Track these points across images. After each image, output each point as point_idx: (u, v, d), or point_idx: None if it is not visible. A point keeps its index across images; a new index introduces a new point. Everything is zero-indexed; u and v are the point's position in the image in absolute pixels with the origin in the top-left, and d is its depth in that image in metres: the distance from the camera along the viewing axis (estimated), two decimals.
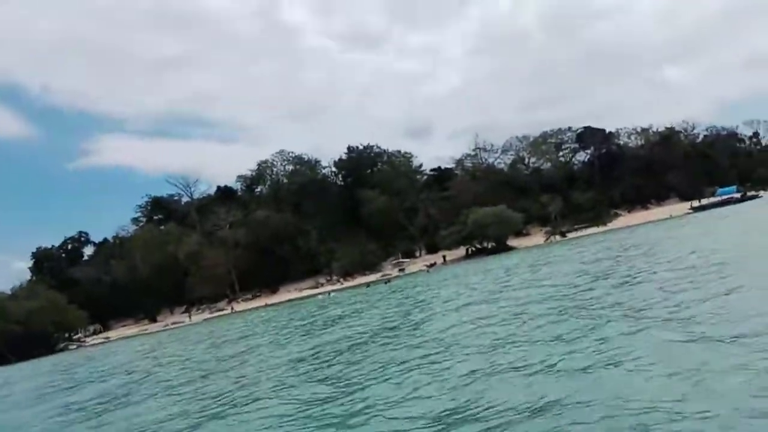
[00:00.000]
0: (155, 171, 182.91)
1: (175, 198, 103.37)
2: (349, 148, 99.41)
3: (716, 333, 7.81)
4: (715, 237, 25.50)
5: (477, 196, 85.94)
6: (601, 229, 76.98)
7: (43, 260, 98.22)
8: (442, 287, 29.54)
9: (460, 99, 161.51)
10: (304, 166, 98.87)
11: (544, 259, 35.56)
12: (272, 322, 32.10)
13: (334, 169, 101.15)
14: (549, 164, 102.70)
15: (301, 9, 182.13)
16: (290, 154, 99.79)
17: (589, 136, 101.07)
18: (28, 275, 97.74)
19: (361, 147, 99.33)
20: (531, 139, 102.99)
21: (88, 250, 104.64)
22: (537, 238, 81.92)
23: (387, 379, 9.14)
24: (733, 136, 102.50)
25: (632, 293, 12.87)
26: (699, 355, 6.98)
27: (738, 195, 73.28)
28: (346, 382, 9.64)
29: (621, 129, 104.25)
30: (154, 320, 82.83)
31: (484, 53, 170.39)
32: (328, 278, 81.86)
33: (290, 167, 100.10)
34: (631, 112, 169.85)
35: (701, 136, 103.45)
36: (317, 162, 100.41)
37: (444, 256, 78.62)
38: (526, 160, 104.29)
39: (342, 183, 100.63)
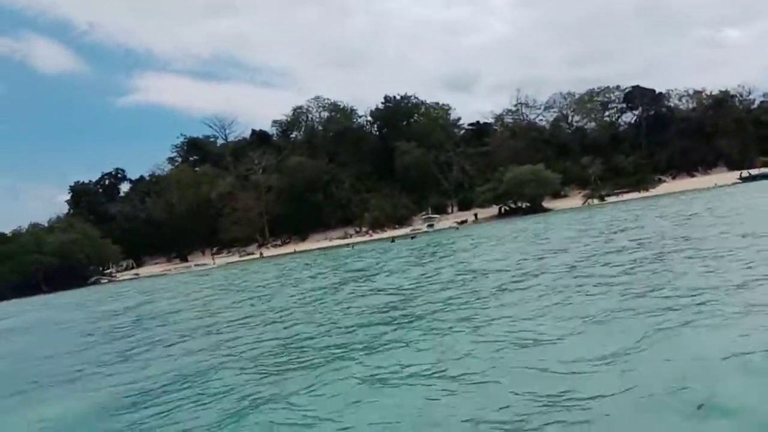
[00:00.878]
0: (197, 112, 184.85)
1: (211, 140, 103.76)
2: (385, 97, 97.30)
3: None
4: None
5: (515, 153, 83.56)
6: (643, 194, 74.27)
7: (81, 194, 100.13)
8: (464, 250, 28.36)
9: (504, 51, 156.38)
10: (340, 113, 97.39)
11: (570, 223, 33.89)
12: (288, 275, 31.27)
13: (370, 118, 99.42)
14: (593, 124, 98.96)
15: None
16: (326, 101, 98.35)
17: (637, 96, 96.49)
18: (67, 209, 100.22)
19: (398, 97, 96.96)
20: (576, 97, 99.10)
21: (125, 187, 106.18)
22: (575, 200, 79.56)
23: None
24: None
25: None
26: None
27: None
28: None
29: (672, 90, 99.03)
30: (185, 260, 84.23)
31: (532, 4, 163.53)
32: (358, 229, 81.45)
33: (326, 114, 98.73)
34: (683, 73, 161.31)
35: (757, 102, 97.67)
36: (353, 110, 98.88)
37: (476, 214, 77.26)
38: (570, 118, 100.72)
39: (378, 133, 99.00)
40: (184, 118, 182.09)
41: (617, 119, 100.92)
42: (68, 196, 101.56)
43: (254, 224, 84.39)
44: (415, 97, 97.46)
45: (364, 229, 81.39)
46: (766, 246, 12.90)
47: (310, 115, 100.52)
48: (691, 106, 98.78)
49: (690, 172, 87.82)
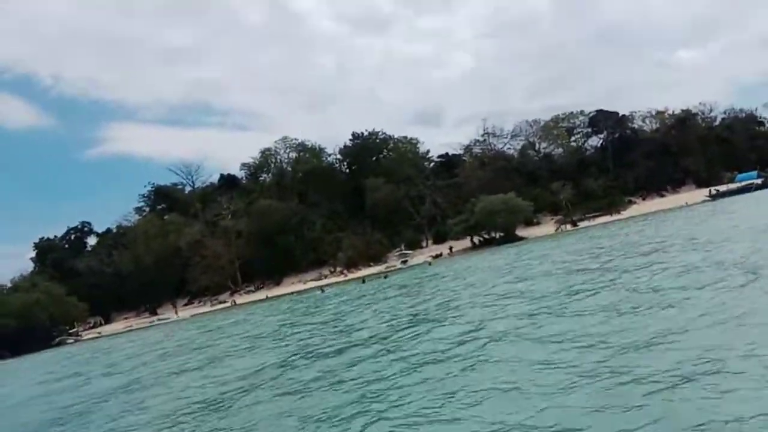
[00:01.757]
0: (168, 159, 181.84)
1: (179, 187, 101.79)
2: (353, 134, 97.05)
3: None
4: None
5: (485, 183, 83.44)
6: (615, 217, 74.28)
7: (46, 251, 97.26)
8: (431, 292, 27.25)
9: (470, 83, 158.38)
10: (308, 153, 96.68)
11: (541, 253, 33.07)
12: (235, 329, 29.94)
13: (339, 156, 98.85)
14: (560, 149, 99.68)
15: None
16: (293, 141, 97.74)
17: (601, 119, 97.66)
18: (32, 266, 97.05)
19: (366, 133, 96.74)
20: (541, 124, 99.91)
21: (92, 241, 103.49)
22: (548, 227, 79.26)
23: None
24: (752, 118, 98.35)
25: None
26: None
27: (759, 181, 69.89)
28: None
29: (635, 112, 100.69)
30: (154, 313, 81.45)
31: (495, 36, 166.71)
32: (332, 270, 79.89)
33: (294, 155, 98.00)
34: (645, 95, 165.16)
35: (719, 119, 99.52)
36: (322, 149, 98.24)
37: (450, 247, 76.26)
38: (537, 145, 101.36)
39: (347, 171, 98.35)
40: (154, 166, 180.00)
41: (583, 144, 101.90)
42: (33, 254, 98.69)
43: (225, 271, 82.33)
44: (383, 133, 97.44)
45: (338, 269, 79.82)
46: None
47: (278, 157, 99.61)
48: (654, 126, 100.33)
49: (659, 191, 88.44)
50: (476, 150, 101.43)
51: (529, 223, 79.81)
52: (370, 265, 77.11)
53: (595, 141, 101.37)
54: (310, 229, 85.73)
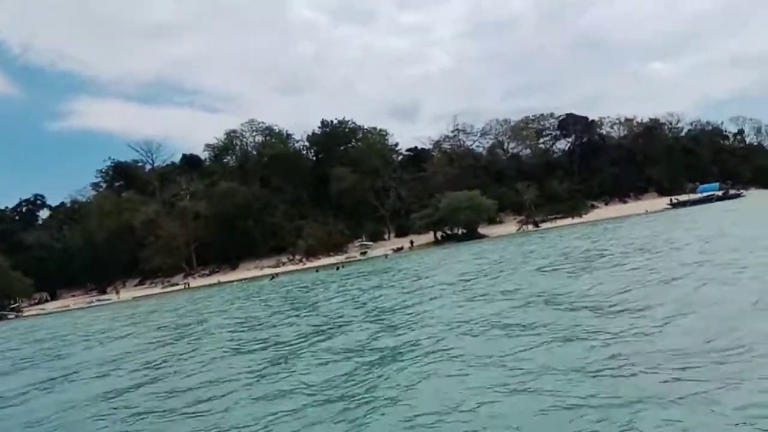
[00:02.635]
0: (133, 137, 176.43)
1: (139, 164, 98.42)
2: (322, 122, 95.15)
3: None
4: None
5: (452, 179, 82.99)
6: (576, 220, 74.45)
7: None
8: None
9: (448, 81, 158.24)
10: (275, 137, 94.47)
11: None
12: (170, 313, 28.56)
13: (306, 143, 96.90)
14: (528, 151, 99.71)
15: None
16: (260, 125, 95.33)
17: (571, 123, 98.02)
18: None
19: (335, 122, 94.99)
20: (512, 124, 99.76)
21: (45, 214, 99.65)
22: (510, 226, 79.17)
23: None
24: (717, 132, 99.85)
25: None
26: None
27: (720, 193, 70.70)
28: None
29: (604, 118, 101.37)
30: (103, 291, 78.70)
31: (475, 36, 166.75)
32: (291, 257, 78.33)
33: (260, 138, 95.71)
34: (617, 103, 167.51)
35: (685, 130, 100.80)
36: (289, 135, 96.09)
37: (411, 241, 75.49)
38: (506, 145, 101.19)
39: (314, 158, 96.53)
40: (119, 143, 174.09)
41: (552, 146, 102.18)
42: None
43: (180, 253, 79.96)
44: (353, 122, 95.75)
45: (297, 257, 78.31)
46: None
47: (244, 139, 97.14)
48: (622, 133, 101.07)
49: (622, 198, 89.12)
50: (445, 146, 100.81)
51: (492, 221, 79.55)
52: (330, 255, 75.89)
53: (563, 144, 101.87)
54: (272, 214, 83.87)
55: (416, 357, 8.74)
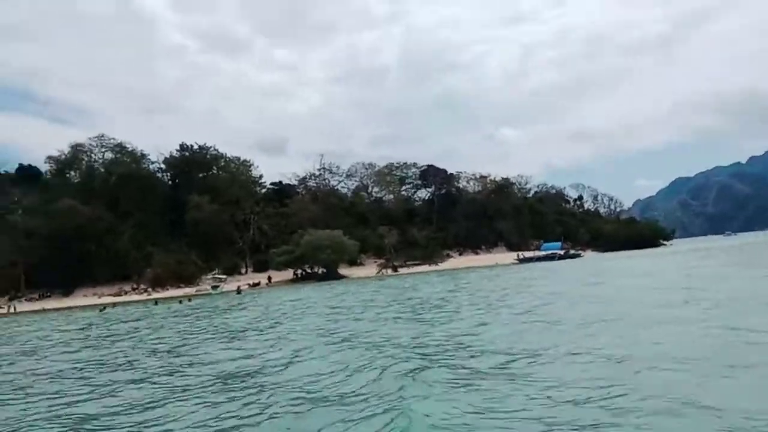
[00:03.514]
0: None
1: None
2: (181, 145, 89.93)
3: None
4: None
5: (315, 217, 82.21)
6: (432, 267, 76.83)
7: None
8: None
9: (317, 121, 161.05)
10: (127, 156, 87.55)
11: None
12: None
13: (162, 165, 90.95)
14: (391, 196, 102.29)
15: None
16: (111, 141, 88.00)
17: (431, 174, 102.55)
18: None
19: (196, 146, 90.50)
20: (376, 169, 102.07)
21: None
22: (370, 269, 79.62)
23: None
24: (560, 196, 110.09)
25: None
26: None
27: (561, 252, 76.97)
28: None
29: (461, 173, 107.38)
30: None
31: (346, 82, 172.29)
32: (135, 286, 72.07)
33: (110, 155, 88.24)
34: (474, 160, 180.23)
35: (532, 192, 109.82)
36: (144, 155, 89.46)
37: (269, 277, 73.02)
38: (370, 188, 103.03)
39: (170, 183, 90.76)
40: None
41: (413, 194, 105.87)
42: None
43: (6, 274, 70.30)
44: (215, 149, 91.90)
45: (142, 287, 72.21)
46: None
47: (91, 155, 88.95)
48: (477, 188, 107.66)
49: (475, 249, 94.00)
50: (311, 184, 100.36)
51: (353, 262, 79.56)
52: (179, 287, 70.89)
53: (424, 193, 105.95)
54: (117, 239, 76.93)
55: None
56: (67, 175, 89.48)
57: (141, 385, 10.69)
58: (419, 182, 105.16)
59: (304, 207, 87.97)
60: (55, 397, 10.28)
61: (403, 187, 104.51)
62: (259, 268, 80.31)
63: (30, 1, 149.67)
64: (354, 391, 8.36)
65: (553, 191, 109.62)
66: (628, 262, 49.09)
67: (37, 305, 65.59)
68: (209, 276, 73.38)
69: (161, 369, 12.32)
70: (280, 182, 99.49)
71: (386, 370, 9.63)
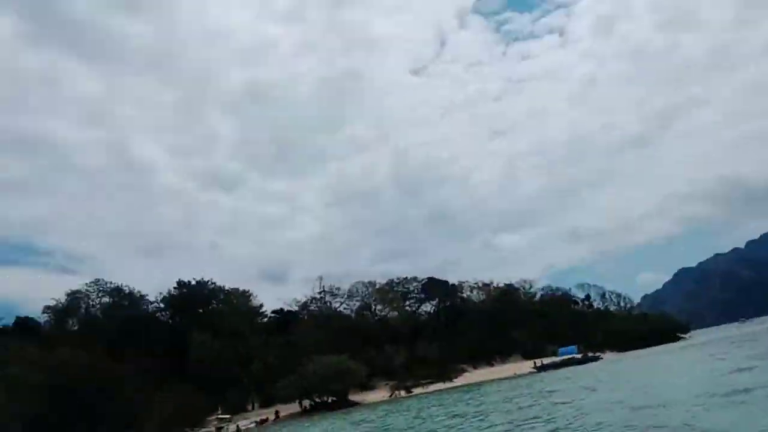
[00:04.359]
0: None
1: None
2: (179, 282, 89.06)
3: None
4: None
5: (320, 343, 79.51)
6: (447, 385, 73.43)
7: None
8: None
9: (317, 246, 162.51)
10: (125, 299, 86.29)
11: None
12: None
13: (161, 304, 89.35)
14: (395, 313, 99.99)
15: (155, 147, 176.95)
16: (108, 285, 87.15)
17: (433, 287, 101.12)
18: None
19: (193, 282, 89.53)
20: (377, 286, 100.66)
21: None
22: (382, 392, 75.80)
23: None
24: (567, 297, 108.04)
25: None
26: None
27: (579, 356, 74.14)
28: None
29: (464, 282, 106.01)
30: None
31: (341, 205, 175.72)
32: None
33: (107, 300, 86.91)
34: (475, 268, 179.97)
35: (539, 295, 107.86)
36: (143, 296, 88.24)
37: (277, 412, 69.07)
38: (373, 307, 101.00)
39: (169, 321, 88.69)
40: None
41: (417, 309, 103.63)
42: None
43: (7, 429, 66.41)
44: (212, 283, 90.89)
45: None
46: None
47: (89, 301, 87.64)
48: (481, 297, 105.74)
49: (489, 360, 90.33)
50: (312, 308, 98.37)
51: (363, 386, 75.87)
52: (185, 431, 66.80)
53: (428, 307, 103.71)
54: (119, 386, 73.52)
55: None
56: (66, 324, 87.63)
57: None
58: (422, 296, 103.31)
59: (308, 332, 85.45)
60: None
61: (407, 303, 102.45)
62: (267, 402, 76.34)
63: (30, 157, 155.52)
64: None
65: (559, 293, 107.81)
66: (666, 363, 45.38)
67: None
68: (213, 417, 69.58)
69: None
70: (282, 309, 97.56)
71: None
